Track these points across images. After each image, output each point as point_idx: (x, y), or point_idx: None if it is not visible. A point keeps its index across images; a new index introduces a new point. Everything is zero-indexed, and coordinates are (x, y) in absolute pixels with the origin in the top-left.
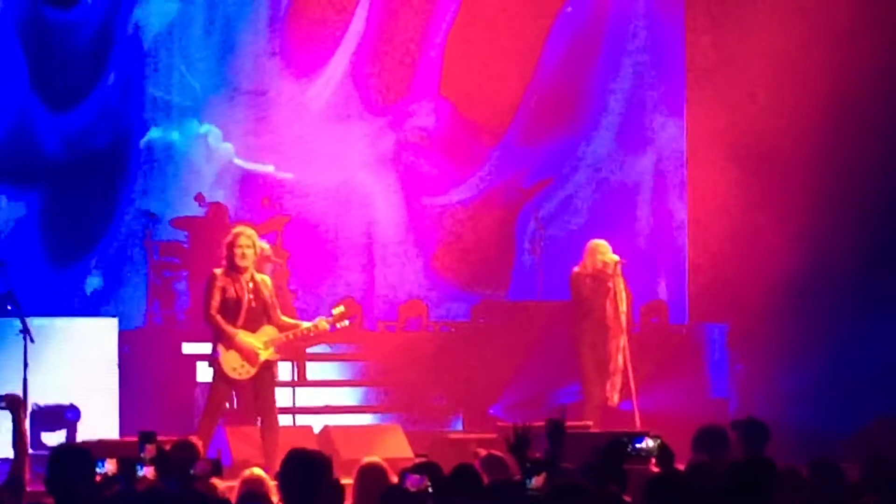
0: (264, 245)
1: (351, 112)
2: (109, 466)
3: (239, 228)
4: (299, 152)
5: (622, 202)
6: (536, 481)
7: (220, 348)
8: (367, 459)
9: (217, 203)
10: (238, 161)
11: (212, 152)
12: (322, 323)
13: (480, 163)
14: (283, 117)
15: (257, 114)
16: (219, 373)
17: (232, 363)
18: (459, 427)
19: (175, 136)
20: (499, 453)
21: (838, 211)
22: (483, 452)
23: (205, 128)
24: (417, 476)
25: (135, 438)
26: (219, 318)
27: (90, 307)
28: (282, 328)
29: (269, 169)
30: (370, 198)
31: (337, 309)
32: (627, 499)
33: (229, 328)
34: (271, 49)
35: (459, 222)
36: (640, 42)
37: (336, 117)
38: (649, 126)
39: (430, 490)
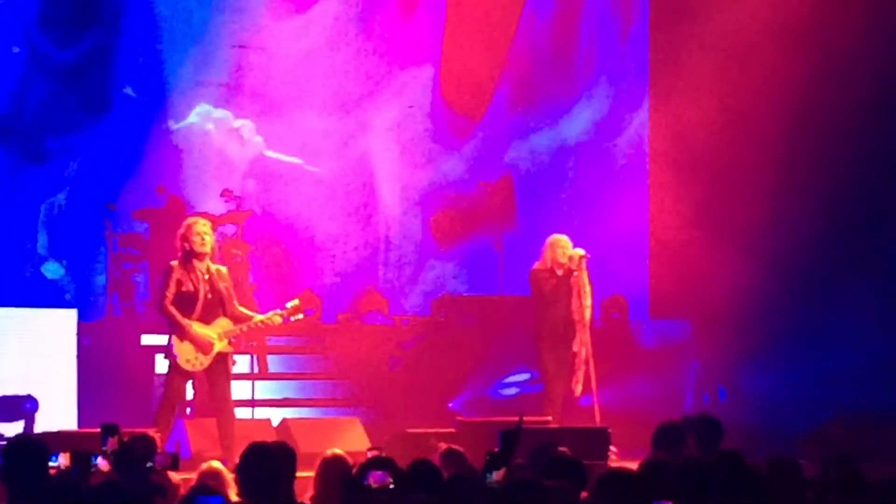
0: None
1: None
2: (63, 460)
3: (193, 218)
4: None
5: (585, 196)
6: (497, 475)
7: (174, 339)
8: (329, 452)
9: (175, 195)
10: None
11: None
12: (275, 317)
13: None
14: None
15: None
16: (173, 364)
17: (186, 355)
18: (418, 421)
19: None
20: (459, 448)
21: (801, 208)
22: (443, 446)
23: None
24: (380, 472)
25: (93, 430)
26: (172, 309)
27: (50, 297)
28: (237, 320)
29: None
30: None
31: (291, 302)
32: (584, 495)
33: (183, 319)
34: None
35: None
36: (608, 33)
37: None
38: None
39: (391, 486)
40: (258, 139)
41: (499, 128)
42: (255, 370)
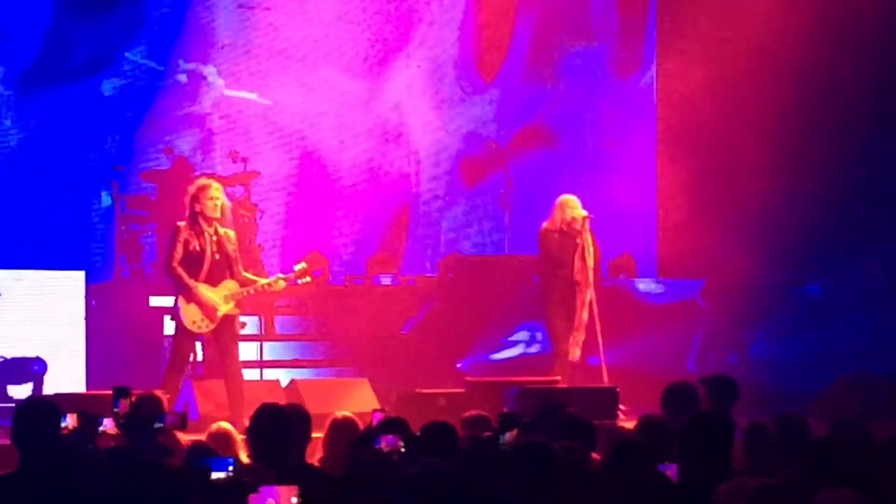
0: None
1: None
2: (70, 421)
3: (206, 180)
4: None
5: (593, 159)
6: (509, 436)
7: (181, 301)
8: (338, 413)
9: (182, 157)
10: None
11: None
12: (280, 281)
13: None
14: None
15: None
16: (179, 326)
17: (192, 316)
18: (427, 381)
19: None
20: (483, 413)
21: (809, 176)
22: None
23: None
24: (391, 436)
25: (102, 392)
26: (180, 270)
27: (57, 260)
28: (243, 283)
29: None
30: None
31: (298, 265)
32: (596, 456)
33: (190, 281)
34: None
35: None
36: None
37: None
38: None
39: (402, 450)
40: (267, 101)
41: (513, 88)
42: (263, 332)
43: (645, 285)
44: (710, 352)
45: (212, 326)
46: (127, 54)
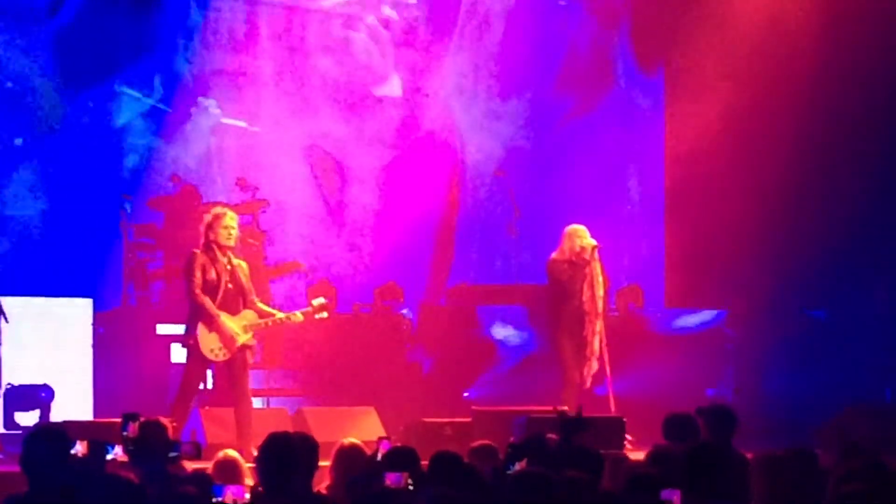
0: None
1: None
2: (80, 448)
3: (221, 209)
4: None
5: (600, 184)
6: (518, 466)
7: (201, 328)
8: (346, 441)
9: (189, 184)
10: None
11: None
12: (298, 315)
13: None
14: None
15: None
16: (194, 353)
17: (210, 344)
18: (434, 410)
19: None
20: (490, 443)
21: (822, 194)
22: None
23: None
24: (396, 474)
25: (109, 420)
26: (204, 297)
27: (64, 287)
28: (261, 314)
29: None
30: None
31: (316, 300)
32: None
33: (214, 308)
34: None
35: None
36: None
37: None
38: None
39: (410, 486)
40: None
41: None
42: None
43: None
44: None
45: (228, 356)
46: (125, 89)
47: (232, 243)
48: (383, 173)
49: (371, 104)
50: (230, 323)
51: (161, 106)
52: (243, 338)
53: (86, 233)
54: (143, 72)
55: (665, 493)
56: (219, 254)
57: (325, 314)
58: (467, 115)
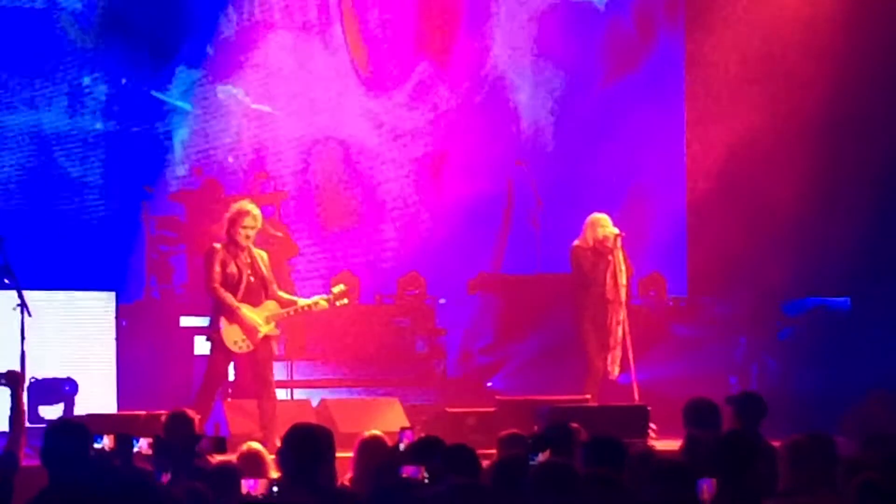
0: (277, 232)
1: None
2: (107, 442)
3: (245, 206)
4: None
5: (617, 176)
6: (542, 457)
7: (223, 321)
8: (367, 433)
9: (211, 177)
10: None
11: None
12: (321, 301)
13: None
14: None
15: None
16: (218, 345)
17: (233, 336)
18: (457, 401)
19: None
20: (518, 432)
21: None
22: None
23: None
24: (413, 467)
25: (133, 412)
26: (222, 291)
27: (88, 280)
28: (283, 304)
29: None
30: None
31: (337, 287)
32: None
33: (233, 301)
34: None
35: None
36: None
37: None
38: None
39: (426, 479)
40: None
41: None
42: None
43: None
44: (750, 366)
45: (252, 347)
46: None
47: (249, 244)
48: (410, 164)
49: (396, 94)
50: (252, 314)
51: (183, 105)
52: (266, 328)
53: (108, 226)
54: (166, 69)
55: (700, 482)
56: (240, 248)
57: (345, 301)
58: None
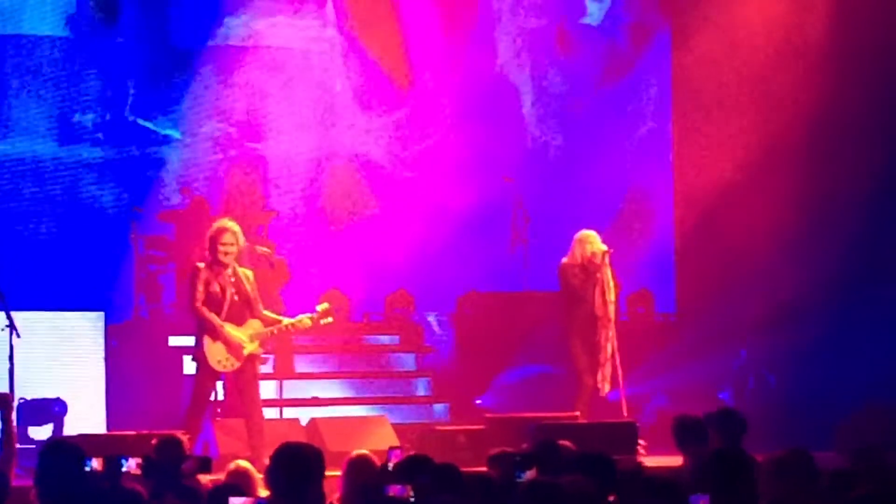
0: (263, 249)
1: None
2: (95, 464)
3: (224, 223)
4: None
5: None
6: (528, 475)
7: (206, 340)
8: (355, 452)
9: (199, 196)
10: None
11: None
12: (305, 320)
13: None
14: None
15: None
16: (203, 365)
17: (217, 355)
18: (446, 418)
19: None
20: (508, 449)
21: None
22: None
23: None
24: (399, 486)
25: (123, 433)
26: (204, 310)
27: (76, 301)
28: (266, 322)
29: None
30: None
31: (321, 305)
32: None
33: (216, 320)
34: None
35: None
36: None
37: None
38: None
39: (411, 499)
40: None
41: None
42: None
43: None
44: (747, 380)
45: (237, 365)
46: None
47: (229, 260)
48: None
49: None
50: (236, 333)
51: (173, 133)
52: (250, 347)
53: (97, 246)
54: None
55: (693, 499)
56: (222, 267)
57: (329, 319)
58: None
